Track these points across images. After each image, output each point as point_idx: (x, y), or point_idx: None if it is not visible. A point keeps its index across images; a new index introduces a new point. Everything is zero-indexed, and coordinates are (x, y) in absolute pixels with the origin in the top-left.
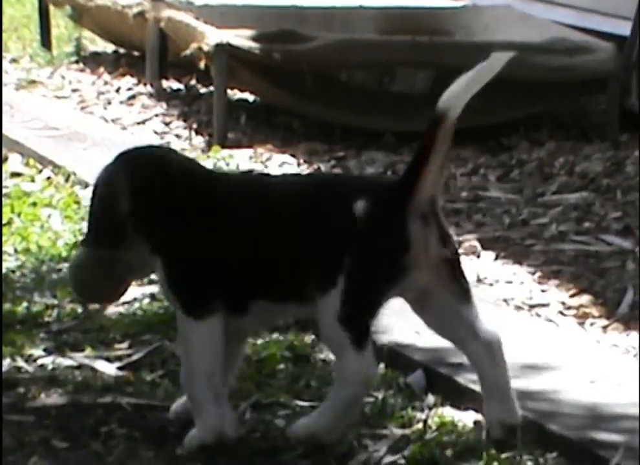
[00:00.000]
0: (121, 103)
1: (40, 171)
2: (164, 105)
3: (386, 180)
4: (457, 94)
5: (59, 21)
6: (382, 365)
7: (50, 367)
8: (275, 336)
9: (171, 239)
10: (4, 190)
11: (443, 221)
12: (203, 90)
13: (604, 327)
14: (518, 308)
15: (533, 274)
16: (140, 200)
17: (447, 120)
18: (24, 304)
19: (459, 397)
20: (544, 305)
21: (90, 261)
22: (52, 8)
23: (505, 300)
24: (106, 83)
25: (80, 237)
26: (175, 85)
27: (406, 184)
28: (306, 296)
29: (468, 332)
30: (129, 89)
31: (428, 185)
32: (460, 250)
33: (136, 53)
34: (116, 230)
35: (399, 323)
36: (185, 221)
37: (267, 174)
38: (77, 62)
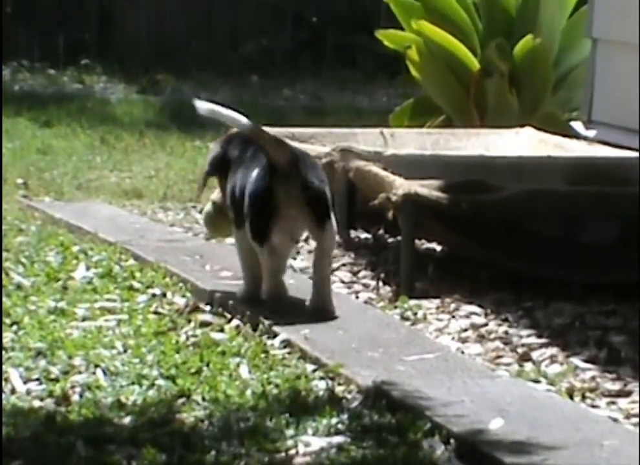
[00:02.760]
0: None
1: (229, 320)
2: (352, 255)
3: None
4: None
5: None
6: None
7: None
8: None
9: None
10: (193, 339)
11: (307, 175)
12: (390, 240)
13: None
14: None
15: None
16: None
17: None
18: (212, 453)
19: None
20: None
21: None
22: None
23: None
24: None
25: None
26: (363, 235)
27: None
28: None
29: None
30: None
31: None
32: None
33: None
34: None
35: None
36: None
37: None
38: None
